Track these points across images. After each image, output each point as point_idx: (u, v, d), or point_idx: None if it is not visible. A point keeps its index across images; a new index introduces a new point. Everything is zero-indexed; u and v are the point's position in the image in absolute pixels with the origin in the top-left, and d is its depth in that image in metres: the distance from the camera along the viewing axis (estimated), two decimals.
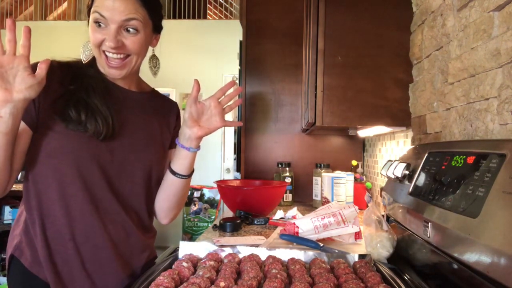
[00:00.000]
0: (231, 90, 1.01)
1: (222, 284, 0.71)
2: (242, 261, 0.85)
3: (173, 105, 1.12)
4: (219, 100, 0.98)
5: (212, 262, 0.84)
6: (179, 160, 0.99)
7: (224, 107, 0.97)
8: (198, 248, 0.94)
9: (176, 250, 0.97)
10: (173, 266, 0.82)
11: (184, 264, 0.82)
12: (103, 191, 0.89)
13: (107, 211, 0.90)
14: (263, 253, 0.92)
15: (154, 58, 1.10)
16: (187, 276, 0.78)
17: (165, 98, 1.11)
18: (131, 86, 1.00)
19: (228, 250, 0.93)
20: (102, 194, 0.89)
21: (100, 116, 0.87)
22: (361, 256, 0.90)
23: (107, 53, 0.89)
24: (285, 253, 0.92)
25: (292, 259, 0.88)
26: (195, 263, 0.86)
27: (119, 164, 0.92)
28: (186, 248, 0.94)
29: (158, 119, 1.04)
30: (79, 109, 0.86)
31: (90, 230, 0.88)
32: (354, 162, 2.05)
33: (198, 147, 0.98)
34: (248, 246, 0.95)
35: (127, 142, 0.93)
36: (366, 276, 0.76)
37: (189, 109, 0.95)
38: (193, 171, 1.03)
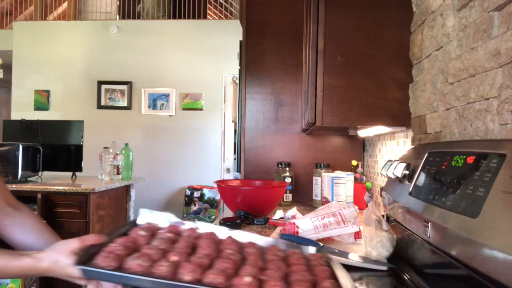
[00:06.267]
0: None
1: (173, 258, 0.69)
2: (200, 237, 0.82)
3: None
4: None
5: (170, 234, 0.81)
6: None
7: None
8: (160, 219, 0.90)
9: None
10: (129, 234, 0.79)
11: (141, 232, 0.79)
12: None
13: None
14: (224, 233, 0.89)
15: None
16: (142, 245, 0.75)
17: None
18: None
19: (190, 225, 0.90)
20: None
21: None
22: (318, 251, 0.89)
23: None
24: (246, 236, 0.89)
25: (250, 242, 0.85)
26: (153, 232, 0.83)
27: None
28: (147, 217, 0.90)
29: None
30: None
31: None
32: (354, 162, 2.05)
33: None
34: (210, 224, 0.92)
35: None
36: (315, 269, 0.74)
37: None
38: None
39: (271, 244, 0.87)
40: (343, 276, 0.71)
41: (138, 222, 0.90)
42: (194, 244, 0.79)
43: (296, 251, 0.84)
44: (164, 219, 0.90)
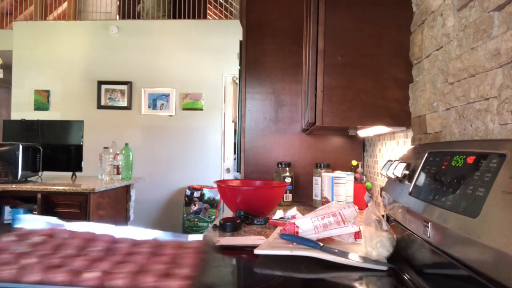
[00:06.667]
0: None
1: (25, 261, 0.66)
2: (73, 238, 0.78)
3: None
4: None
5: (39, 238, 0.76)
6: None
7: None
8: (40, 223, 0.84)
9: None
10: None
11: (6, 238, 0.74)
12: None
13: None
14: (106, 231, 0.83)
15: None
16: (2, 250, 0.71)
17: None
18: None
19: (69, 226, 0.84)
20: None
21: None
22: (204, 240, 0.84)
23: None
24: (129, 232, 0.83)
25: (127, 238, 0.80)
26: (23, 237, 0.77)
27: None
28: (25, 222, 0.83)
29: None
30: None
31: None
32: (354, 162, 2.05)
33: None
34: (97, 224, 0.85)
35: None
36: (183, 258, 0.71)
37: None
38: None
39: (151, 238, 0.82)
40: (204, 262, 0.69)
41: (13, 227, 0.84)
42: (62, 245, 0.75)
43: (173, 242, 0.79)
44: (44, 223, 0.84)
